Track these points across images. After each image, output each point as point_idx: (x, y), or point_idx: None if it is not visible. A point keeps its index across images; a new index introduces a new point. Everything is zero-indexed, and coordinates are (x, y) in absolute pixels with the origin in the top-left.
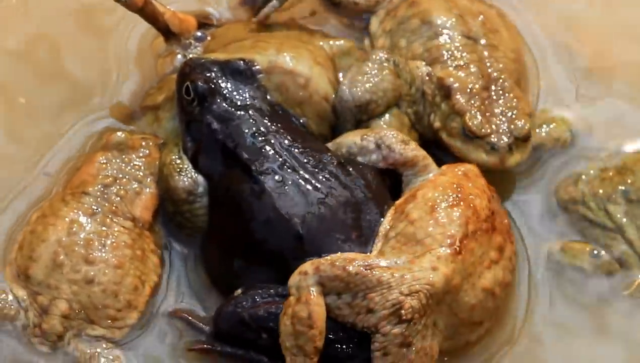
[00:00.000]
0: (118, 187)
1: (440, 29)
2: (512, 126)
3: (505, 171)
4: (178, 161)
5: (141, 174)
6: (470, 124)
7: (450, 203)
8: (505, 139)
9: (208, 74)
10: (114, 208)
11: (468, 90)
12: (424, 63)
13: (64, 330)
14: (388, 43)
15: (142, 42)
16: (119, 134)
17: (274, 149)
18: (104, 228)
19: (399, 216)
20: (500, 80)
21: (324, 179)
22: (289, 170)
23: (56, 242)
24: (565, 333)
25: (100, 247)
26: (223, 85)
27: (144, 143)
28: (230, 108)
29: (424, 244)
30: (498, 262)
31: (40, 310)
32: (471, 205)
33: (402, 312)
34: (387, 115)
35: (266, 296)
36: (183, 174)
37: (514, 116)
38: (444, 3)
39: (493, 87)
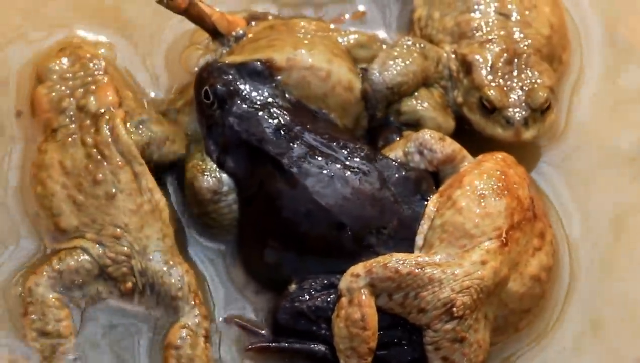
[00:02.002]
0: (73, 101)
1: (473, 4)
2: (529, 99)
3: (522, 145)
4: (200, 163)
5: (82, 74)
6: (487, 95)
7: (497, 192)
8: (521, 113)
9: (226, 77)
10: (85, 123)
11: (489, 65)
12: (447, 43)
13: (128, 249)
14: (425, 13)
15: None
16: (44, 60)
17: (301, 141)
18: (87, 147)
19: (445, 201)
20: (525, 56)
21: (357, 163)
22: (319, 158)
23: (62, 188)
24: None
25: (96, 164)
26: (241, 86)
27: (67, 51)
28: (250, 108)
29: (473, 236)
30: (541, 248)
31: (96, 243)
32: (516, 195)
33: (454, 309)
34: (420, 99)
35: (320, 288)
36: (207, 173)
37: (532, 89)
38: None
39: (516, 62)
